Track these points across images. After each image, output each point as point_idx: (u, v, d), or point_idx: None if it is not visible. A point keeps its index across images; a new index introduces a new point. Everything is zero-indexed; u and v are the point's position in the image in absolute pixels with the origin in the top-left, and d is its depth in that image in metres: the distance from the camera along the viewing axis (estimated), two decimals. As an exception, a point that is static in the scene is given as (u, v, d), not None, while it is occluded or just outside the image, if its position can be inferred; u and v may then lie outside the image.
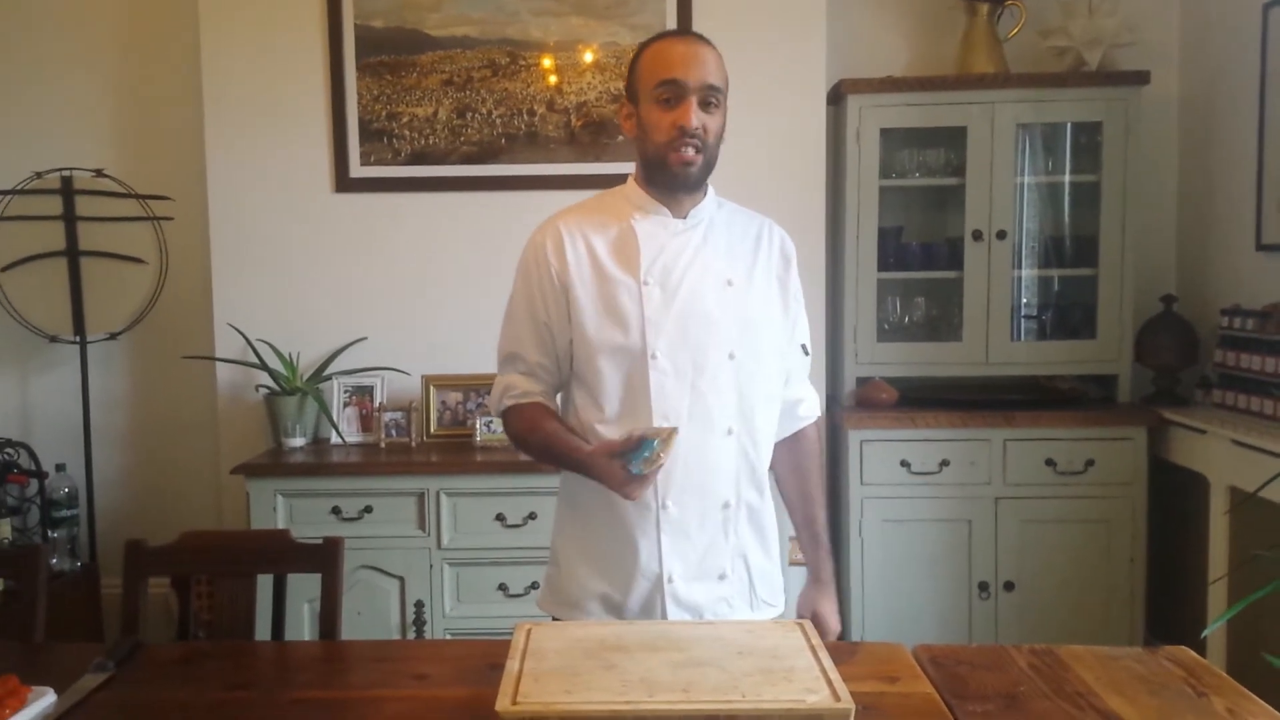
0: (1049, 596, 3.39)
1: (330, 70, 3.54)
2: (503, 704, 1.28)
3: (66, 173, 3.63)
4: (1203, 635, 2.92)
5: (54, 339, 3.69)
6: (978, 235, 3.50)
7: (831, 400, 3.65)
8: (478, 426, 3.41)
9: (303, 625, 3.03)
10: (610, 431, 1.75)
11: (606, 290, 1.78)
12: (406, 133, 3.56)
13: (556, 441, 1.78)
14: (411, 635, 3.20)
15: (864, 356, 3.57)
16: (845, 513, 3.49)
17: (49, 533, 3.55)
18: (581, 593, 1.83)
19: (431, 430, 3.50)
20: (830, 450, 3.66)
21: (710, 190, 1.87)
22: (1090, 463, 3.38)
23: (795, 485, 1.98)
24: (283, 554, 2.03)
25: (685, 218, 1.83)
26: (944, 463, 3.40)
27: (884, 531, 3.43)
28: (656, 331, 1.75)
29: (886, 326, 3.64)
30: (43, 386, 3.85)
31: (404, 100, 3.56)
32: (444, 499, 3.20)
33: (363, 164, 3.57)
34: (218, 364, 3.59)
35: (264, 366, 3.47)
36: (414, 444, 3.46)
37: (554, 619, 1.88)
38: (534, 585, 3.13)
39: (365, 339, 3.58)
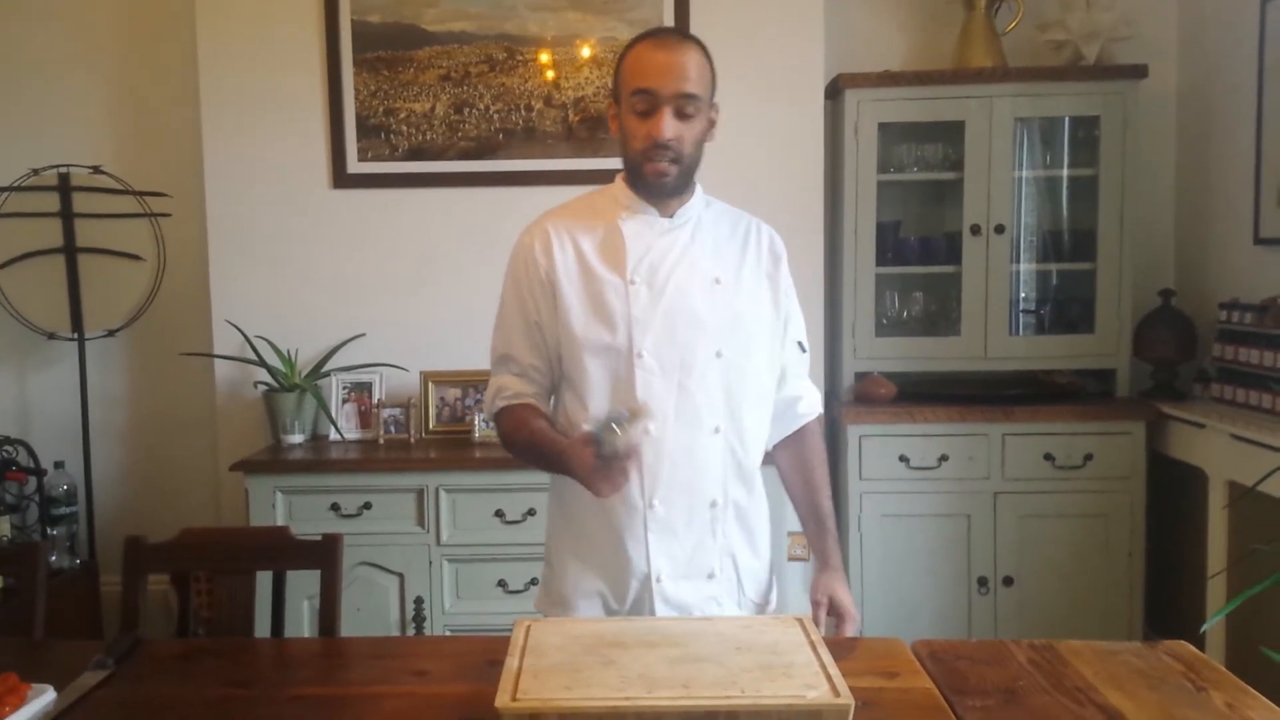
0: (1048, 591, 3.39)
1: (327, 66, 3.53)
2: (502, 700, 1.28)
3: (64, 169, 3.62)
4: (1202, 630, 2.92)
5: (52, 336, 3.69)
6: (976, 230, 3.50)
7: (830, 395, 3.65)
8: (476, 423, 3.41)
9: (302, 622, 3.03)
10: None
11: (593, 289, 1.78)
12: (404, 128, 3.56)
13: (540, 439, 1.77)
14: (411, 632, 3.20)
15: (862, 351, 3.57)
16: (844, 508, 3.49)
17: (48, 530, 3.55)
18: (573, 592, 1.83)
19: (430, 426, 3.50)
20: (829, 445, 3.63)
21: (698, 189, 1.87)
22: (1089, 457, 3.38)
23: (800, 482, 1.97)
24: (282, 550, 2.03)
25: (672, 217, 1.83)
26: (943, 457, 3.40)
27: (883, 527, 3.43)
28: (643, 330, 1.75)
29: (885, 321, 3.64)
30: (41, 384, 3.84)
31: (401, 96, 3.55)
32: (443, 495, 3.20)
33: (360, 160, 3.57)
34: (216, 361, 3.59)
35: (262, 363, 3.47)
36: (413, 440, 3.46)
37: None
38: (533, 581, 3.13)
39: (363, 335, 3.58)
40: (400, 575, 3.23)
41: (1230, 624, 2.99)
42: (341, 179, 3.57)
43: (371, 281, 3.59)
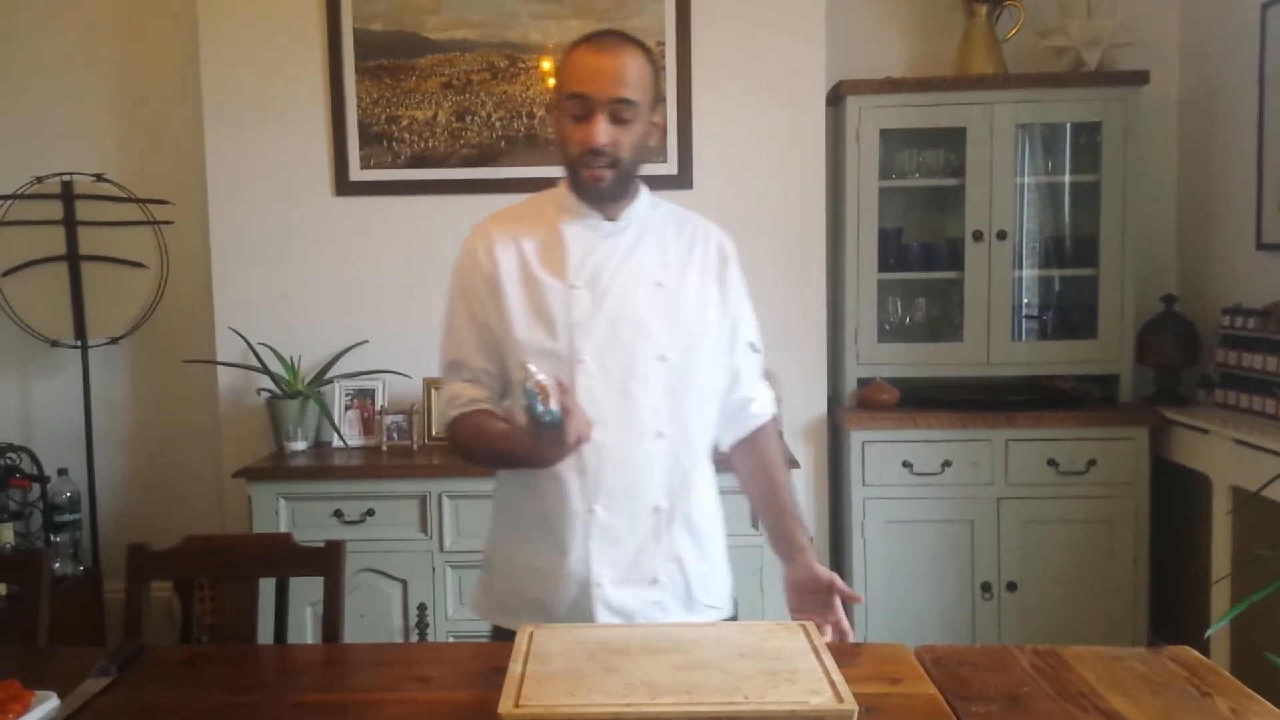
0: (1051, 597, 3.39)
1: (329, 74, 3.54)
2: (505, 707, 1.28)
3: (67, 177, 3.63)
4: (1206, 635, 2.92)
5: (55, 344, 3.69)
6: (978, 236, 3.50)
7: (833, 401, 3.65)
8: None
9: (305, 628, 3.03)
10: None
11: (535, 294, 1.77)
12: (406, 136, 3.56)
13: (501, 439, 1.73)
14: (414, 638, 3.20)
15: (865, 357, 3.58)
16: (847, 514, 3.49)
17: (51, 537, 3.56)
18: (513, 599, 1.83)
19: (433, 433, 3.50)
20: (832, 451, 3.66)
21: (644, 191, 1.85)
22: (1092, 463, 3.37)
23: (759, 484, 1.96)
24: (285, 557, 2.03)
25: (616, 220, 1.81)
26: (946, 463, 3.40)
27: (886, 532, 3.43)
28: (584, 336, 1.74)
29: (887, 327, 3.64)
30: (44, 391, 3.85)
31: (403, 103, 3.56)
32: (446, 502, 3.20)
33: (363, 167, 3.57)
34: (219, 368, 3.59)
35: (265, 370, 3.47)
36: (415, 447, 3.46)
37: (492, 625, 1.89)
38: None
39: (366, 342, 3.59)
40: (403, 582, 3.22)
41: (1234, 629, 2.98)
42: (344, 186, 3.58)
43: (374, 288, 3.60)
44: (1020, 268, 3.57)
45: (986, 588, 3.41)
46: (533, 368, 1.53)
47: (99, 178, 3.65)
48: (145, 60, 3.79)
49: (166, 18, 3.75)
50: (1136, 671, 1.53)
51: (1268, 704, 1.42)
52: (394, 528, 3.21)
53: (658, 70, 1.79)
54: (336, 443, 3.50)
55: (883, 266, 3.57)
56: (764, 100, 3.53)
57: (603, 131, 1.70)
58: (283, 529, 3.19)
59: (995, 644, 2.75)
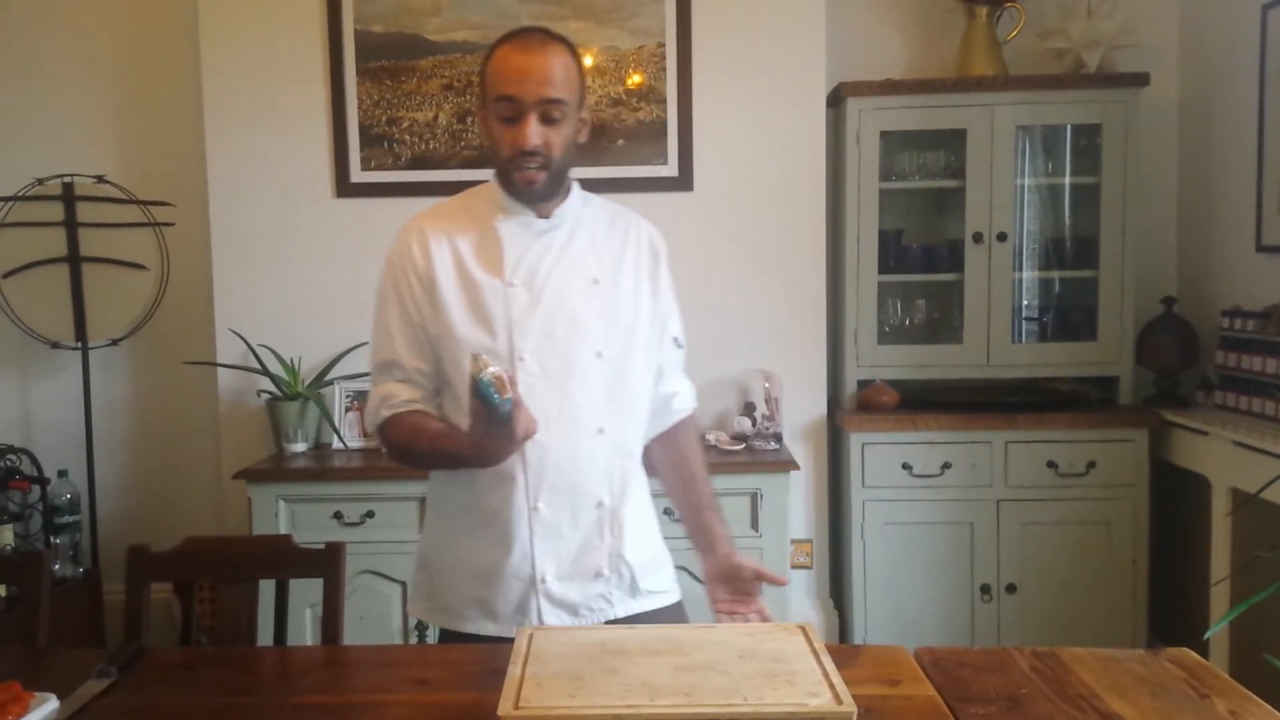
0: (1051, 598, 3.39)
1: (330, 76, 3.55)
2: (505, 709, 1.28)
3: (68, 179, 3.63)
4: (1205, 637, 2.92)
5: (56, 345, 3.69)
6: (978, 237, 3.51)
7: (832, 403, 3.65)
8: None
9: (305, 630, 3.03)
10: None
11: (472, 292, 1.76)
12: (407, 138, 3.57)
13: (443, 439, 1.72)
14: (414, 640, 3.20)
15: (865, 359, 3.58)
16: (847, 515, 3.49)
17: (51, 539, 3.56)
18: (457, 599, 1.81)
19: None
20: (832, 453, 3.66)
21: (575, 187, 1.84)
22: (1092, 464, 3.38)
23: (676, 476, 1.95)
24: (285, 559, 2.03)
25: (549, 217, 1.81)
26: (945, 465, 3.40)
27: (885, 534, 3.43)
28: (523, 333, 1.74)
29: (887, 329, 3.64)
30: (44, 393, 3.85)
31: (404, 105, 3.56)
32: (446, 503, 3.20)
33: (363, 169, 3.58)
34: (219, 369, 3.60)
35: (265, 372, 3.47)
36: (415, 448, 3.45)
37: (435, 626, 1.87)
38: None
39: (366, 344, 3.56)
40: (403, 584, 3.22)
41: (1233, 631, 2.98)
42: (344, 188, 3.58)
43: (374, 290, 3.59)
44: (1020, 269, 3.58)
45: (986, 589, 3.41)
46: (485, 358, 1.51)
47: (100, 179, 3.66)
48: (146, 62, 3.79)
49: (167, 20, 3.75)
50: (1135, 673, 1.53)
51: (1266, 706, 1.42)
52: (394, 530, 3.21)
53: (582, 66, 1.79)
54: (336, 444, 3.50)
55: (883, 268, 3.57)
56: (764, 102, 3.53)
57: (534, 133, 1.70)
58: (282, 531, 3.19)
59: (994, 646, 2.75)
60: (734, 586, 1.84)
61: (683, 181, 3.54)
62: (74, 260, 3.64)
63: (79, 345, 3.67)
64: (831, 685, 1.34)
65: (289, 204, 3.58)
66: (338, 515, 3.21)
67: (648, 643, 1.49)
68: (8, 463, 3.54)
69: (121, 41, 3.79)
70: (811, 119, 3.55)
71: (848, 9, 3.74)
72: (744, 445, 3.41)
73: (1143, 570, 3.39)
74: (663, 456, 1.96)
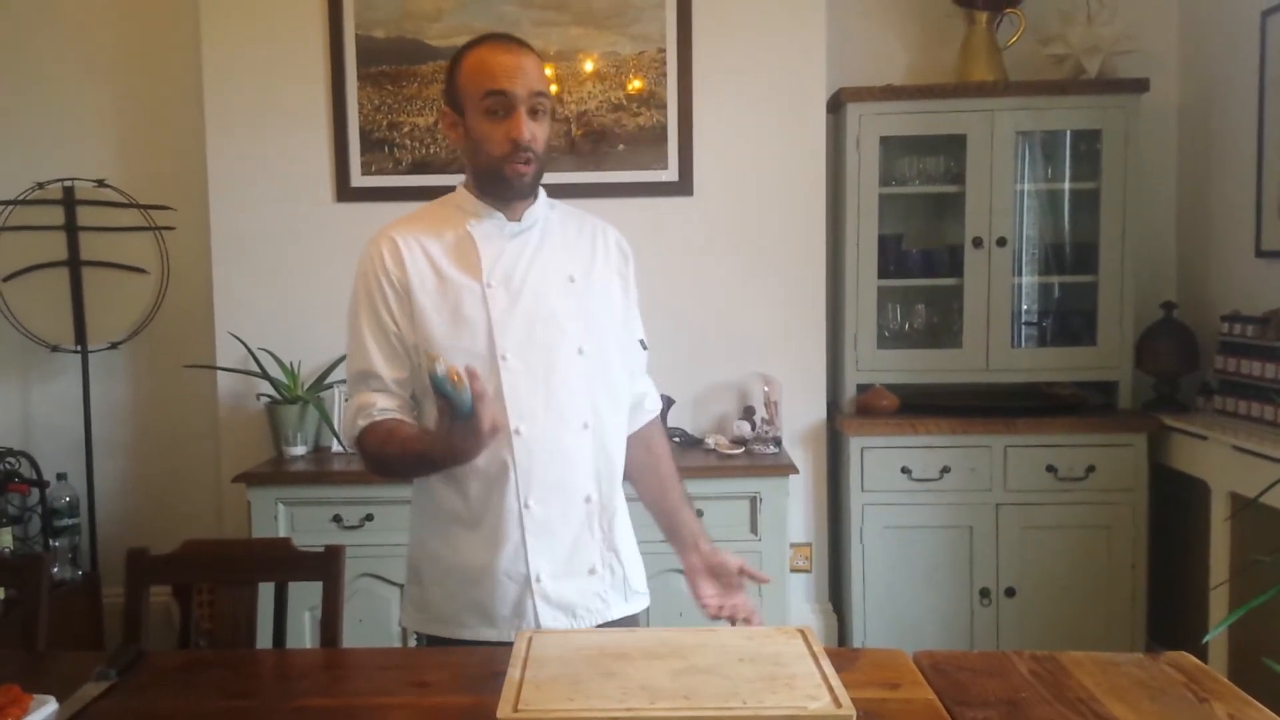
0: (1050, 602, 3.39)
1: (331, 80, 3.55)
2: (504, 711, 1.28)
3: (68, 183, 3.64)
4: (1204, 641, 2.92)
5: (55, 348, 3.69)
6: (978, 242, 3.51)
7: (832, 407, 3.65)
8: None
9: (304, 633, 3.03)
10: None
11: (450, 296, 1.76)
12: (408, 142, 3.57)
13: (413, 441, 1.70)
14: (412, 643, 3.20)
15: (865, 364, 3.58)
16: (847, 519, 3.50)
17: (50, 542, 3.55)
18: (451, 606, 1.81)
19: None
20: (831, 457, 3.66)
21: (541, 192, 1.86)
22: (1091, 469, 3.38)
23: (654, 479, 1.96)
24: (284, 562, 2.03)
25: (519, 220, 1.82)
26: (945, 469, 3.40)
27: (885, 538, 3.43)
28: (504, 333, 1.74)
29: (887, 334, 3.65)
30: (44, 396, 3.85)
31: (405, 110, 3.57)
32: (445, 507, 3.20)
33: (364, 174, 3.58)
34: (219, 373, 3.60)
35: (265, 375, 3.47)
36: (415, 452, 3.45)
37: (427, 637, 1.88)
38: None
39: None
40: (402, 587, 3.21)
41: (1232, 635, 2.98)
42: (345, 192, 3.58)
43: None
44: (1020, 274, 3.58)
45: (985, 593, 3.41)
46: (437, 353, 1.52)
47: (100, 183, 3.66)
48: (147, 66, 3.80)
49: (169, 24, 3.75)
50: (1134, 677, 1.54)
51: (1265, 709, 1.42)
52: (393, 533, 3.20)
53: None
54: (336, 448, 3.50)
55: (883, 273, 3.57)
56: (764, 107, 3.53)
57: (527, 126, 1.72)
58: (282, 534, 3.19)
59: (994, 649, 2.75)
60: (720, 582, 1.86)
61: (683, 186, 3.55)
62: (74, 264, 3.64)
63: (79, 349, 3.67)
64: (831, 689, 1.34)
65: (289, 208, 3.59)
66: (337, 518, 3.21)
67: (647, 646, 1.49)
68: (7, 465, 3.54)
69: (123, 45, 3.80)
70: (811, 124, 3.55)
71: (848, 14, 3.74)
72: (743, 449, 3.41)
73: (1142, 574, 3.40)
74: (636, 458, 1.96)
